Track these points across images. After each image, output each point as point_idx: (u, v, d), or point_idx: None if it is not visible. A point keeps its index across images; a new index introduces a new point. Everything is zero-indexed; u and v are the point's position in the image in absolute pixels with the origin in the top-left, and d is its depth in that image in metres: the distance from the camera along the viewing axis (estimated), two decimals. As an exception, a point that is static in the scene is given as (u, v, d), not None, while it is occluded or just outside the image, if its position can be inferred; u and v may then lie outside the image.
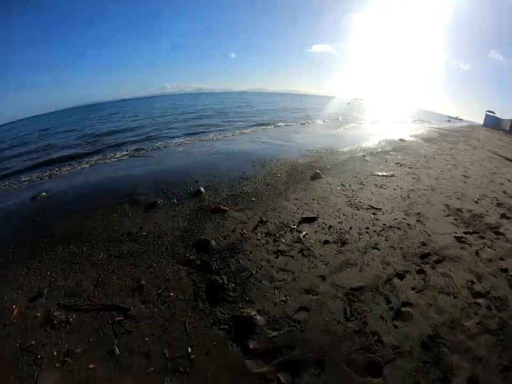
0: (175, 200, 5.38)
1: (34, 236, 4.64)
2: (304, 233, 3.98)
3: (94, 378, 2.28)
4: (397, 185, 6.07)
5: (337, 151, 9.30)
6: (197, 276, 3.32)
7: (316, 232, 4.04)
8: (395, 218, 4.47)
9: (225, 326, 2.63)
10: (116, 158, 10.49)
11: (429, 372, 2.09)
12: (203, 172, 6.98)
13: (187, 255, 3.70)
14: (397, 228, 4.19)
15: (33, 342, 2.64)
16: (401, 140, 12.27)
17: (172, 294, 3.07)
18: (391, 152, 9.41)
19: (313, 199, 5.01)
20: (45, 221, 5.19)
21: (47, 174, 9.53)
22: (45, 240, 4.48)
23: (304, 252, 3.59)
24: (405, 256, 3.52)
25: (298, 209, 4.64)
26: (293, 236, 3.95)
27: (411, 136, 13.72)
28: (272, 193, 5.34)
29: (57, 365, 2.43)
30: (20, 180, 9.25)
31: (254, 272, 3.22)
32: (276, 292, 2.95)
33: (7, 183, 9.02)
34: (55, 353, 2.53)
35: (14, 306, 3.12)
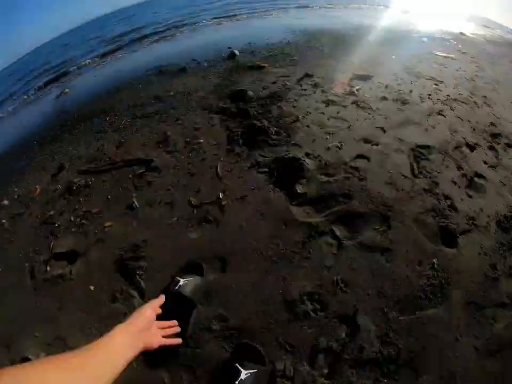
0: (205, 64, 4.79)
1: (56, 122, 4.54)
2: (358, 87, 3.36)
3: (110, 237, 2.00)
4: (460, 67, 5.07)
5: (391, 30, 7.71)
6: (232, 122, 2.88)
7: (371, 88, 3.41)
8: (460, 94, 3.73)
9: (266, 169, 2.18)
10: (142, 46, 9.29)
11: (506, 256, 1.69)
12: (237, 41, 6.08)
13: (221, 104, 3.25)
14: (463, 102, 3.49)
15: (52, 213, 2.44)
16: (462, 33, 10.19)
17: (201, 140, 2.66)
18: (451, 40, 7.80)
19: (365, 62, 4.33)
20: (67, 109, 5.07)
21: (70, 75, 8.76)
22: (68, 122, 4.34)
23: (359, 103, 3.01)
24: (474, 130, 2.91)
25: (349, 68, 4.02)
26: (345, 89, 3.34)
27: (472, 34, 11.30)
28: (317, 54, 4.74)
29: (73, 229, 2.20)
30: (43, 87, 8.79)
31: (300, 117, 2.67)
32: (328, 137, 2.42)
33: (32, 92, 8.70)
34: (72, 218, 2.30)
35: (36, 186, 2.98)
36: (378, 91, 3.30)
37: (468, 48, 7.21)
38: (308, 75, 3.69)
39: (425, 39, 7.02)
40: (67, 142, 3.69)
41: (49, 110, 5.58)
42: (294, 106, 2.90)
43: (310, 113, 2.75)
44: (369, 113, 2.78)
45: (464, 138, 2.71)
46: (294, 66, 4.14)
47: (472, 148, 2.64)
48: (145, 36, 10.68)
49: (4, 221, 2.57)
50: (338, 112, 2.78)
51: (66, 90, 6.46)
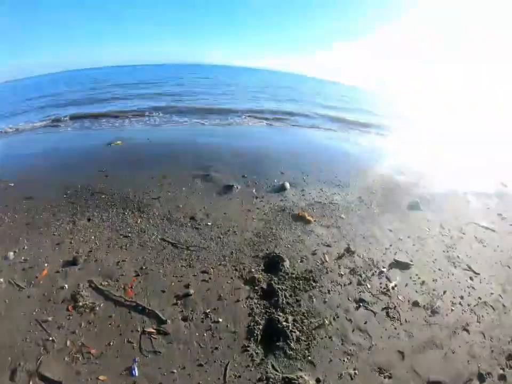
0: (254, 190, 5.12)
1: (94, 187, 4.83)
2: (394, 283, 3.39)
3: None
4: (497, 246, 4.92)
5: (435, 178, 8.04)
6: (258, 305, 2.85)
7: (406, 285, 3.43)
8: (491, 294, 3.67)
9: (273, 388, 2.10)
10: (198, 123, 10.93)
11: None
12: (291, 162, 6.72)
13: (253, 270, 3.32)
14: (492, 306, 3.44)
15: (50, 319, 2.42)
16: (503, 184, 10.22)
17: (221, 319, 2.61)
18: (493, 198, 7.78)
19: (408, 237, 4.39)
20: (110, 174, 5.48)
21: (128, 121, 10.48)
22: (103, 196, 4.64)
23: (389, 310, 3.01)
24: (492, 351, 2.81)
25: (391, 245, 4.11)
26: (381, 283, 3.38)
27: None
28: (364, 214, 4.84)
29: (66, 358, 2.14)
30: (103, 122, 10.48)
31: (327, 322, 2.72)
32: (345, 360, 2.44)
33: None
34: (68, 342, 2.25)
35: (45, 265, 2.97)
36: (413, 291, 3.31)
37: (508, 209, 7.06)
38: (349, 251, 3.77)
39: (470, 199, 7.04)
40: (93, 224, 3.84)
41: (98, 158, 5.87)
42: (325, 302, 2.91)
43: (338, 317, 2.76)
44: (395, 328, 2.78)
45: (479, 366, 2.62)
46: (338, 230, 4.21)
47: (482, 378, 2.54)
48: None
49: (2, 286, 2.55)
50: (366, 322, 2.78)
51: (118, 142, 7.16)
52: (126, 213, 4.24)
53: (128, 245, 3.48)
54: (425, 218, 5.13)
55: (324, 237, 4.05)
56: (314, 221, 4.38)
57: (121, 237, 3.67)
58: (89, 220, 4.05)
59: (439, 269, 3.83)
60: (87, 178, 5.26)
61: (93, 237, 3.63)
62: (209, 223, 4.06)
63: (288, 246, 3.78)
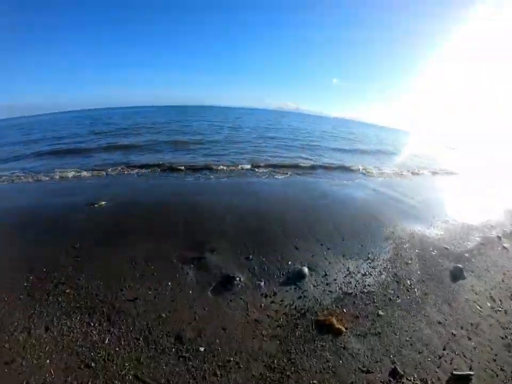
0: (262, 284, 3.91)
1: (60, 274, 3.90)
2: None
3: None
4: None
5: (462, 224, 6.99)
6: None
7: None
8: None
9: None
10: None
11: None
12: (306, 228, 5.60)
13: None
14: None
15: None
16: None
17: None
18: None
19: (462, 327, 3.59)
20: (82, 254, 4.43)
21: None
22: (68, 291, 3.64)
23: None
24: None
25: (445, 348, 3.23)
26: None
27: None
28: (406, 302, 3.92)
29: None
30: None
31: None
32: None
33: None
34: None
35: None
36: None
37: None
38: (396, 374, 2.77)
39: (506, 245, 6.18)
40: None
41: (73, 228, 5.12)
42: None
43: None
44: None
45: None
46: (379, 339, 3.24)
47: None
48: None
49: None
50: None
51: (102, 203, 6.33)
52: (92, 324, 3.16)
53: (90, 382, 2.53)
54: (472, 290, 4.45)
55: (361, 356, 2.99)
56: (346, 329, 3.28)
57: (83, 366, 2.69)
58: (47, 329, 3.08)
59: (501, 369, 3.05)
60: (55, 258, 4.22)
61: (48, 361, 2.70)
62: (201, 348, 2.90)
63: (314, 382, 2.62)
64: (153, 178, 9.15)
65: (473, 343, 3.32)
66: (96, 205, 6.34)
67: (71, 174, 9.56)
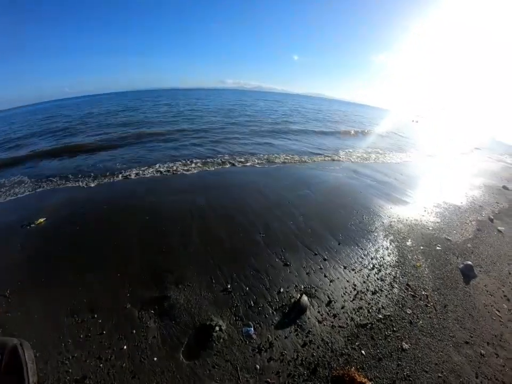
0: (251, 331, 2.85)
1: None
2: None
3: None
4: None
5: (456, 206, 6.53)
6: None
7: None
8: None
9: None
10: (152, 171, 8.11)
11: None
12: (292, 232, 4.66)
13: None
14: None
15: None
16: (505, 187, 9.27)
17: None
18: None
19: (487, 343, 3.14)
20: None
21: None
22: None
23: None
24: None
25: (477, 375, 2.75)
26: None
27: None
28: (427, 324, 3.24)
29: None
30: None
31: None
32: None
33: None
34: None
35: None
36: None
37: None
38: None
39: (501, 228, 5.87)
40: None
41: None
42: None
43: None
44: None
45: None
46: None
47: None
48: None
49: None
50: None
51: (41, 220, 4.84)
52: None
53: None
54: (486, 291, 4.01)
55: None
56: (370, 380, 2.42)
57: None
58: None
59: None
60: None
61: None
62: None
63: None
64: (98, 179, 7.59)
65: (501, 360, 2.93)
66: (33, 224, 4.91)
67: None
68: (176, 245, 4.07)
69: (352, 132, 18.41)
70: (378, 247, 4.44)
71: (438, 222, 5.62)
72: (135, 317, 2.94)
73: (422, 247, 4.62)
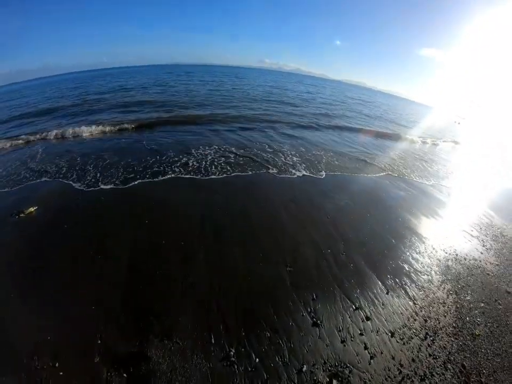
0: None
1: None
2: None
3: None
4: None
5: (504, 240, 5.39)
6: None
7: None
8: None
9: None
10: None
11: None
12: (326, 264, 3.58)
13: None
14: None
15: None
16: None
17: None
18: None
19: None
20: None
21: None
22: None
23: None
24: None
25: None
26: None
27: None
28: None
29: None
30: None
31: None
32: None
33: None
34: None
35: None
36: None
37: None
38: None
39: None
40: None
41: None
42: None
43: None
44: None
45: None
46: None
47: None
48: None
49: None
50: None
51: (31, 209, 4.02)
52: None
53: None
54: None
55: None
56: None
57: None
58: None
59: None
60: None
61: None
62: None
63: None
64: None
65: None
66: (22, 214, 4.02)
67: None
68: (174, 273, 3.00)
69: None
70: (433, 301, 3.39)
71: (497, 265, 4.50)
72: (102, 379, 2.02)
73: (482, 304, 3.59)
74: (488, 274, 4.17)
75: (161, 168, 5.69)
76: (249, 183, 5.49)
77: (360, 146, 10.18)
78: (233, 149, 7.35)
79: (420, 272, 3.82)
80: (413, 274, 3.71)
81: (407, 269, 3.79)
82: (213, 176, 5.57)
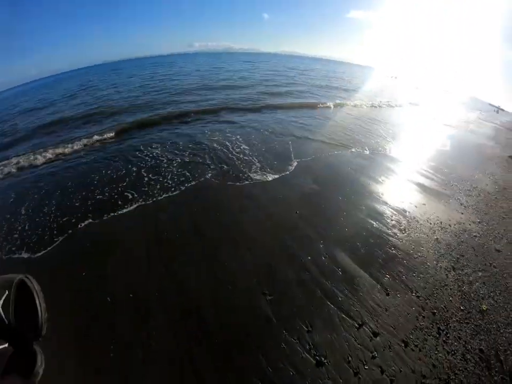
0: None
1: None
2: None
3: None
4: None
5: (485, 191, 5.28)
6: None
7: None
8: None
9: None
10: None
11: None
12: (326, 298, 2.90)
13: None
14: None
15: None
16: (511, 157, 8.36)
17: None
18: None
19: None
20: None
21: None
22: None
23: None
24: None
25: None
26: None
27: None
28: None
29: None
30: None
31: None
32: None
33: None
34: None
35: None
36: None
37: None
38: None
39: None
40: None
41: None
42: None
43: None
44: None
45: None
46: None
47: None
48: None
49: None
50: None
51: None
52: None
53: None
54: None
55: None
56: None
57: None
58: None
59: None
60: None
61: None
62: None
63: None
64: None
65: None
66: None
67: None
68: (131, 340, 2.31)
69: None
70: (434, 286, 3.07)
71: (480, 222, 4.35)
72: None
73: (480, 273, 3.36)
74: (475, 236, 3.98)
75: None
76: (193, 193, 4.63)
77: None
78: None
79: (412, 255, 3.49)
80: (405, 261, 3.35)
81: (398, 255, 3.43)
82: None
